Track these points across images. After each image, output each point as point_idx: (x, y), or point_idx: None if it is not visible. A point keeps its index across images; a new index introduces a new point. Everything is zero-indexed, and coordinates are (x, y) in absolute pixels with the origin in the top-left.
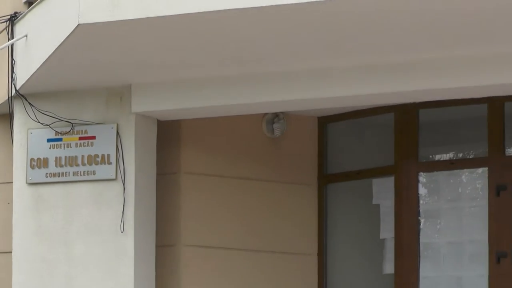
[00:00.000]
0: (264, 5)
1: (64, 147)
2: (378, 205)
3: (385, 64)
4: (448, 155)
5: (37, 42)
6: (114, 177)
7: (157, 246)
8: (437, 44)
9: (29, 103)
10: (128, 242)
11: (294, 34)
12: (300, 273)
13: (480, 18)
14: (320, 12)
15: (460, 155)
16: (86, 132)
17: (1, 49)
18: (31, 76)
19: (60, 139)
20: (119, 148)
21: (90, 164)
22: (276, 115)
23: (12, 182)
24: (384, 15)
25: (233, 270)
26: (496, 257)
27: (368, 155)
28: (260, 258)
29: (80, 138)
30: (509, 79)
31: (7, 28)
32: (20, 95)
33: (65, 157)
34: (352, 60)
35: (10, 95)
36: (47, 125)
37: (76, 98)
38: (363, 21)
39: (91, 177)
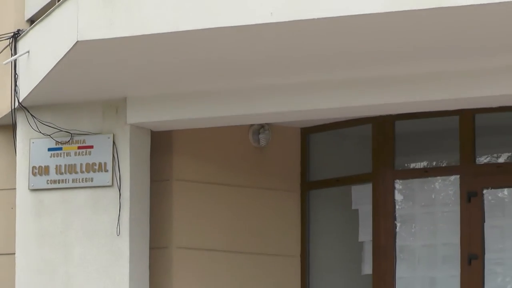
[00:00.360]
0: (247, 24)
1: (63, 155)
2: (357, 210)
3: (363, 79)
4: (422, 163)
5: (39, 58)
6: (110, 183)
7: (150, 248)
8: (411, 61)
9: (31, 115)
10: (123, 244)
11: (278, 52)
12: (285, 274)
13: (449, 36)
14: (302, 32)
15: (434, 163)
16: (84, 141)
17: (5, 64)
18: (33, 89)
19: (60, 148)
20: (115, 157)
21: (88, 172)
22: (261, 126)
23: (15, 188)
24: (362, 34)
25: (222, 271)
26: (468, 259)
27: (347, 164)
28: (247, 260)
29: (79, 148)
30: (479, 93)
31: (11, 45)
32: (22, 107)
33: (65, 165)
34: (332, 76)
35: (13, 107)
36: (48, 135)
37: (75, 110)
38: (343, 40)
39: (89, 183)
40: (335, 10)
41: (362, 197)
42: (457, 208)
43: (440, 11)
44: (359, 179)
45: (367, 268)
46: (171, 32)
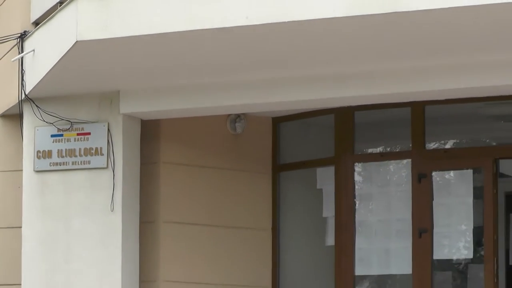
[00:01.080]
0: (225, 26)
1: (64, 141)
2: (321, 190)
3: (327, 75)
4: (378, 149)
5: (43, 55)
6: (105, 166)
7: (140, 222)
8: (369, 60)
9: (36, 105)
10: (116, 219)
11: (252, 51)
12: (258, 245)
13: (401, 39)
14: (273, 34)
15: (389, 149)
16: (82, 129)
17: (13, 61)
18: (37, 83)
19: (61, 135)
20: (109, 142)
21: (86, 155)
22: (238, 115)
23: (22, 170)
24: (324, 36)
25: (203, 242)
26: (418, 232)
27: (313, 149)
28: (225, 233)
29: (78, 134)
30: (428, 87)
31: (18, 44)
32: (28, 99)
33: (65, 149)
34: (299, 72)
35: (20, 99)
36: (51, 123)
37: (74, 101)
38: (309, 41)
39: (87, 166)
40: (299, 14)
41: (325, 178)
42: (409, 188)
43: (394, 16)
44: (323, 162)
45: (330, 240)
46: (158, 34)
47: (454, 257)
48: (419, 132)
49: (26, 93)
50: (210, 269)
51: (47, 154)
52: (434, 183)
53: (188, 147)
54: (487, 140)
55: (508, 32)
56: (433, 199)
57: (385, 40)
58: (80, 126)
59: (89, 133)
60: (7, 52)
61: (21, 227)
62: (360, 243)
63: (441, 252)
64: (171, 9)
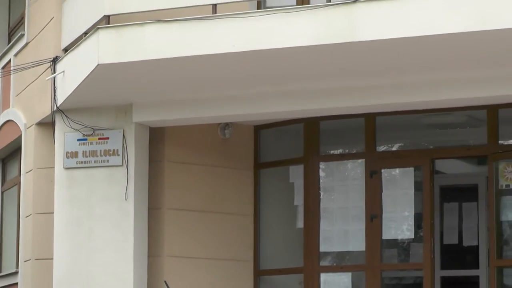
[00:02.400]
0: (217, 52)
1: (88, 144)
2: (293, 183)
3: (298, 90)
4: (339, 151)
5: (70, 76)
6: (121, 164)
7: (149, 209)
8: (331, 79)
9: (65, 116)
10: (129, 206)
11: (239, 72)
12: (243, 227)
13: (356, 63)
14: (256, 58)
15: (347, 151)
16: (102, 134)
17: (47, 80)
18: (66, 97)
19: (86, 139)
20: (124, 145)
21: (105, 156)
22: (226, 124)
23: (54, 167)
24: (299, 61)
25: (198, 225)
26: (370, 217)
27: (286, 150)
28: (216, 217)
29: (99, 139)
30: (378, 101)
31: (51, 66)
32: (59, 110)
33: (89, 151)
34: (275, 88)
35: (52, 110)
36: (77, 130)
37: (96, 112)
38: (284, 64)
39: (106, 164)
40: (276, 43)
41: (296, 174)
42: (362, 182)
43: (350, 44)
44: (295, 161)
45: (300, 223)
46: (162, 58)
47: (399, 237)
48: (371, 137)
49: (58, 105)
50: (204, 246)
51: (74, 154)
52: (383, 178)
53: (187, 149)
54: (426, 144)
55: (438, 57)
56: (382, 191)
57: (344, 63)
58: (101, 132)
59: (107, 138)
60: (43, 73)
61: (53, 212)
62: (324, 225)
63: (388, 233)
64: (172, 39)
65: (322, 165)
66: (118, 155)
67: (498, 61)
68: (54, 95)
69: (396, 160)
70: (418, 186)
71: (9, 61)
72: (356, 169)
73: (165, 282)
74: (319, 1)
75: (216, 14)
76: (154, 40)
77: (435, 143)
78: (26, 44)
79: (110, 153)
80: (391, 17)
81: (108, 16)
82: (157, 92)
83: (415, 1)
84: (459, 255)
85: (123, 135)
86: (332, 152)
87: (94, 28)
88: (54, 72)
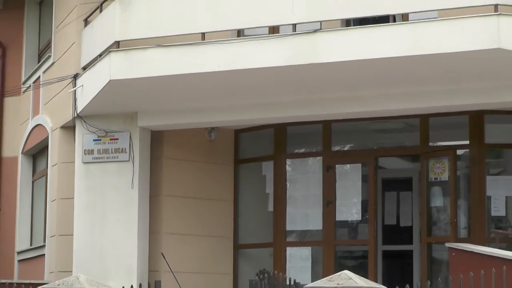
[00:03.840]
0: (205, 71)
1: (102, 143)
2: (265, 175)
3: (269, 102)
4: (302, 150)
5: (88, 89)
6: (128, 159)
7: (150, 196)
8: (296, 92)
9: (84, 121)
10: (134, 193)
11: (222, 87)
12: (225, 209)
13: (317, 78)
14: (236, 76)
15: (308, 150)
16: (113, 136)
17: (69, 92)
18: (84, 106)
19: (100, 140)
20: (130, 145)
21: (115, 153)
22: (212, 128)
23: (74, 162)
24: (272, 78)
25: (190, 208)
26: (326, 203)
27: (260, 149)
28: (204, 202)
29: (110, 139)
30: (333, 111)
31: (72, 81)
32: (79, 116)
33: (102, 149)
34: (251, 101)
35: (73, 116)
36: (93, 132)
37: (108, 118)
38: (260, 81)
39: (116, 159)
40: (253, 63)
41: (268, 168)
42: (320, 175)
43: (314, 65)
44: (266, 158)
45: (271, 207)
46: (162, 76)
47: (349, 219)
48: (327, 139)
49: (78, 113)
50: (194, 225)
51: (90, 152)
52: (336, 172)
53: (181, 148)
54: (371, 145)
55: (382, 76)
56: (336, 182)
57: (306, 80)
58: (112, 134)
59: (117, 139)
60: (65, 86)
61: (73, 198)
62: (289, 209)
63: (341, 215)
64: (169, 60)
65: (288, 162)
66: (126, 152)
67: (429, 79)
68: (75, 104)
69: (347, 158)
70: (364, 179)
71: (39, 77)
72: (315, 164)
73: (162, 254)
74: (287, 30)
75: (205, 41)
76: (155, 61)
77: (379, 144)
78: (53, 63)
79: (119, 151)
80: (344, 43)
81: (118, 42)
82: (158, 102)
83: (363, 31)
84: (397, 233)
85: (130, 137)
86: (296, 151)
87: (107, 51)
88: (75, 86)
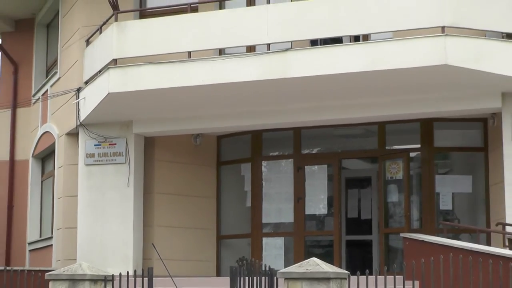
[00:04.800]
0: (191, 85)
1: (101, 148)
2: (244, 175)
3: (247, 111)
4: (275, 153)
5: (89, 100)
6: (124, 162)
7: (144, 193)
8: (269, 103)
9: (86, 128)
10: (130, 191)
11: (206, 98)
12: (209, 205)
13: (287, 91)
14: (217, 89)
15: (281, 153)
16: (112, 141)
17: (73, 103)
18: (86, 116)
19: (100, 145)
20: (126, 149)
21: (113, 156)
22: (198, 134)
23: (77, 164)
24: (248, 90)
25: (178, 204)
26: (297, 199)
27: (239, 153)
28: (190, 199)
29: (109, 144)
30: (303, 119)
31: (76, 94)
32: (82, 125)
33: (102, 152)
34: (231, 110)
35: (77, 124)
36: (94, 138)
37: (107, 126)
38: (238, 93)
39: (114, 162)
40: (231, 78)
41: (246, 169)
42: (292, 175)
43: (285, 79)
44: (245, 161)
45: (249, 203)
46: (154, 89)
47: (317, 213)
48: (297, 144)
49: (81, 121)
50: (182, 218)
51: (92, 155)
52: (305, 172)
53: (170, 151)
54: (335, 149)
55: (345, 88)
56: (305, 181)
57: (279, 92)
58: (110, 140)
59: (115, 144)
60: (70, 99)
61: (76, 196)
62: (265, 205)
63: (309, 210)
64: (159, 75)
65: (264, 163)
66: (122, 156)
67: (385, 91)
68: (78, 114)
69: (315, 159)
70: (330, 178)
71: (47, 90)
72: (287, 166)
73: (152, 244)
74: (262, 49)
75: (191, 59)
76: (147, 76)
77: (342, 148)
78: (58, 78)
79: (116, 155)
80: (312, 60)
81: (116, 59)
82: (150, 112)
83: (328, 49)
84: (358, 225)
85: (126, 142)
86: (270, 154)
87: (106, 67)
88: (78, 98)
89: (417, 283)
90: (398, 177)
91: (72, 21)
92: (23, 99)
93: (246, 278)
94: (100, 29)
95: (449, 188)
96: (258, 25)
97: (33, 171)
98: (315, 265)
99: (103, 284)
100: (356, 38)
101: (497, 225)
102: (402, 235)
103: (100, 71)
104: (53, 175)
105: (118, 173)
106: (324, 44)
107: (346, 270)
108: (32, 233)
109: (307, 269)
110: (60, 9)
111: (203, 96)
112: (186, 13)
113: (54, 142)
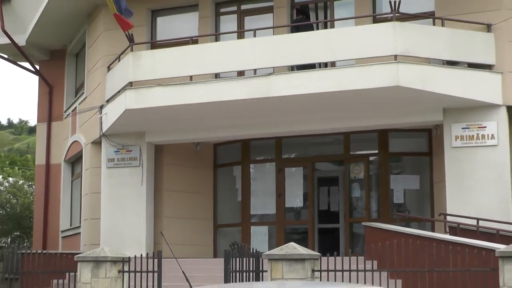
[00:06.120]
0: (193, 102)
1: (120, 154)
2: (235, 176)
3: (237, 123)
4: (261, 157)
5: (110, 115)
6: (138, 165)
7: (155, 191)
8: (255, 116)
9: (107, 138)
10: (143, 189)
11: (202, 112)
12: (207, 200)
13: (270, 107)
14: (213, 107)
15: (265, 157)
16: (128, 148)
17: (97, 117)
18: (108, 128)
19: (118, 151)
20: (140, 155)
21: (129, 161)
22: (198, 142)
23: (101, 167)
24: (238, 107)
25: (182, 199)
26: (278, 195)
27: (232, 157)
28: (192, 195)
29: (126, 151)
30: (283, 130)
31: (99, 110)
32: (104, 135)
33: (120, 158)
34: (224, 122)
35: (100, 135)
36: (114, 146)
37: (124, 136)
38: (230, 109)
39: (130, 165)
40: (223, 97)
41: (237, 171)
42: (274, 175)
43: (267, 98)
44: (236, 164)
45: (239, 198)
46: (162, 106)
47: (295, 206)
48: (279, 150)
49: (103, 132)
50: (185, 211)
51: (112, 160)
52: (285, 173)
53: (176, 156)
54: (310, 154)
55: (317, 105)
56: (285, 180)
57: (264, 108)
58: (127, 147)
59: (131, 150)
60: (94, 114)
61: (100, 192)
62: (252, 199)
63: (288, 203)
64: (167, 95)
65: (251, 166)
66: (137, 160)
67: (349, 107)
68: (101, 126)
69: (292, 163)
70: (305, 178)
71: (75, 107)
72: (270, 168)
73: (160, 232)
74: (250, 74)
75: (192, 81)
76: (157, 95)
77: (315, 153)
78: (85, 98)
79: (132, 159)
80: (290, 83)
81: (131, 82)
82: (159, 124)
83: (303, 74)
84: (328, 216)
85: (140, 149)
86: (257, 158)
87: (123, 89)
88: (101, 114)
89: (375, 262)
90: (360, 177)
91: (96, 51)
92: (56, 114)
93: (238, 259)
94: (118, 58)
95: (401, 185)
96: (246, 55)
97: (64, 173)
98: (293, 248)
99: (121, 264)
100: (325, 65)
101: (439, 215)
102: (363, 223)
103: (118, 92)
104: (81, 176)
105: (133, 174)
106: (299, 70)
107: (318, 252)
108: (64, 223)
109: (286, 252)
110: (86, 42)
111: (202, 111)
112: (188, 44)
113: (82, 149)
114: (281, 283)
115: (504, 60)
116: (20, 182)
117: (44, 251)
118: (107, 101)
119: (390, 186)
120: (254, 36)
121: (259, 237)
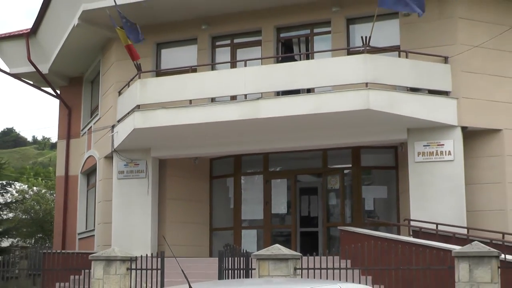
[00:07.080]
0: (193, 123)
1: (129, 167)
2: (228, 186)
3: (230, 141)
4: (251, 170)
5: (121, 133)
6: (145, 177)
7: (158, 199)
8: (246, 135)
9: (118, 153)
10: (149, 198)
11: (199, 131)
12: (204, 207)
13: (259, 126)
14: (208, 127)
15: (256, 170)
16: (136, 162)
17: (110, 135)
18: (118, 144)
19: (127, 165)
20: (146, 168)
21: (137, 173)
22: (196, 157)
23: (112, 178)
24: (231, 127)
25: (182, 206)
26: (265, 203)
27: (225, 170)
28: (191, 203)
29: (134, 164)
30: (269, 146)
31: (111, 129)
32: (115, 151)
33: (129, 170)
34: (219, 139)
35: (112, 150)
36: (124, 160)
37: (133, 151)
38: (224, 129)
39: (138, 177)
40: (218, 118)
41: (230, 182)
42: (262, 186)
43: (256, 119)
44: (229, 176)
45: (232, 205)
46: (165, 126)
47: (280, 212)
48: (266, 165)
49: (114, 148)
50: (185, 216)
51: (122, 172)
52: (272, 184)
53: (177, 169)
54: (293, 167)
55: (298, 125)
56: (271, 190)
57: (254, 128)
58: (135, 161)
59: (138, 164)
60: (107, 132)
61: (111, 200)
62: (243, 206)
63: (274, 210)
64: (169, 116)
65: (242, 178)
66: (143, 172)
67: (326, 126)
68: (113, 143)
69: (278, 175)
70: (289, 188)
71: (91, 126)
72: (259, 179)
73: (163, 236)
74: (241, 98)
75: (191, 105)
76: (161, 117)
77: (297, 167)
78: (99, 118)
79: (139, 172)
80: (275, 106)
81: (139, 105)
82: (163, 142)
83: (287, 98)
84: (308, 221)
85: (146, 163)
86: (247, 171)
87: (132, 111)
88: (113, 132)
89: (349, 261)
90: (336, 187)
91: (108, 78)
92: (74, 132)
93: (230, 258)
94: (128, 84)
95: (371, 195)
96: (238, 82)
97: (81, 183)
98: (278, 249)
99: (129, 263)
100: (306, 90)
101: (404, 220)
102: (339, 227)
103: (128, 113)
104: (95, 186)
105: (140, 185)
106: (284, 95)
107: (300, 252)
108: (80, 227)
109: (272, 252)
110: (100, 70)
111: (200, 130)
112: (188, 73)
113: (96, 163)
114: (268, 280)
115: (459, 87)
116: (43, 191)
117: (63, 251)
118: (118, 121)
119: (362, 195)
120: (245, 65)
121: (249, 239)
